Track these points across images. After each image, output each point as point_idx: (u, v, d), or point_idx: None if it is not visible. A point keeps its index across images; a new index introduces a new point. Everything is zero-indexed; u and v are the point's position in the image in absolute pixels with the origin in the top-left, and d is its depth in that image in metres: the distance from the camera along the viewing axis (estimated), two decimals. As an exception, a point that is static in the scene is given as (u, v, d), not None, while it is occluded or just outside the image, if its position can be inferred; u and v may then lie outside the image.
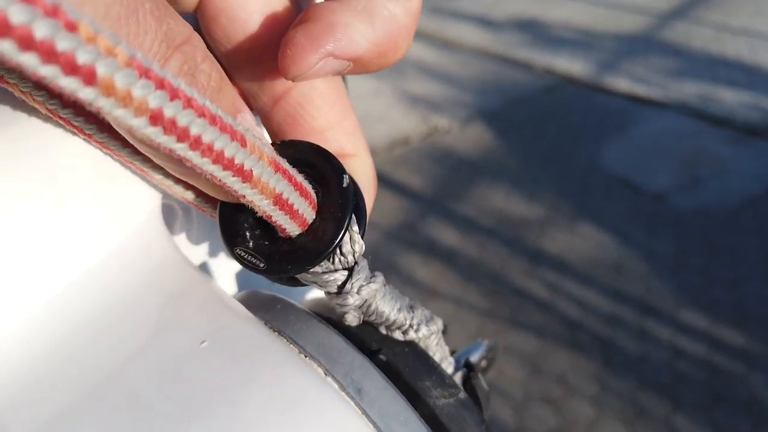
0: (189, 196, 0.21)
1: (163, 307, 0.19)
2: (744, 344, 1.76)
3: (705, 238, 2.18)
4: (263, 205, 0.18)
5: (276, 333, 0.19)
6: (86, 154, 0.19)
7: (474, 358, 0.25)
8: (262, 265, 0.19)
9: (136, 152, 0.19)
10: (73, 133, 0.19)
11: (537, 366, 1.70)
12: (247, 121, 0.19)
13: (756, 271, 2.03)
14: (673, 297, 1.93)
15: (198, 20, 0.21)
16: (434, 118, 3.08)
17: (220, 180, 0.16)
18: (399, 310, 0.22)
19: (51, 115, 0.18)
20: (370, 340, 0.21)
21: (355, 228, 0.20)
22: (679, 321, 1.84)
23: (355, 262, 0.21)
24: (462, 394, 0.21)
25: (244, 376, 0.17)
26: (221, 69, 0.18)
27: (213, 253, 0.27)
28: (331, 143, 0.22)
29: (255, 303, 0.21)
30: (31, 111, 0.19)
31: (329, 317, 0.22)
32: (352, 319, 0.21)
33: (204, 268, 0.27)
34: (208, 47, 0.19)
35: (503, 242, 2.17)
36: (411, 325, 0.22)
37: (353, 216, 0.20)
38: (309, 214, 0.19)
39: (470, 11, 4.64)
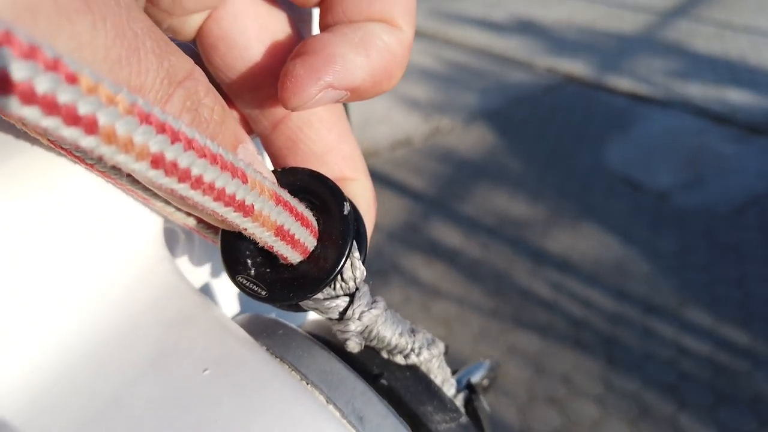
0: (191, 222, 0.21)
1: (164, 333, 0.19)
2: (748, 343, 1.75)
3: (708, 237, 2.18)
4: (265, 237, 0.18)
5: (278, 359, 0.20)
6: (88, 182, 0.20)
7: (475, 378, 0.25)
8: (264, 293, 0.20)
9: (136, 181, 0.19)
10: (75, 162, 0.19)
11: (541, 366, 1.70)
12: (249, 151, 0.19)
13: (760, 269, 2.02)
14: (677, 296, 1.92)
15: (197, 48, 0.21)
16: (436, 118, 3.08)
17: (221, 216, 0.16)
18: (401, 334, 0.22)
19: (52, 146, 0.19)
20: (371, 365, 0.22)
21: (356, 254, 0.20)
22: (683, 320, 1.84)
23: (357, 288, 0.21)
24: (463, 419, 0.21)
25: (246, 404, 0.17)
26: (223, 100, 0.18)
27: (215, 274, 0.27)
28: (331, 167, 0.22)
29: (256, 328, 0.21)
30: (33, 141, 0.19)
31: (330, 340, 0.22)
32: (354, 345, 0.21)
33: (206, 289, 0.27)
34: (208, 74, 0.20)
35: (506, 242, 2.17)
36: (413, 349, 0.22)
37: (354, 242, 0.20)
38: (310, 243, 0.20)
39: (471, 11, 4.63)
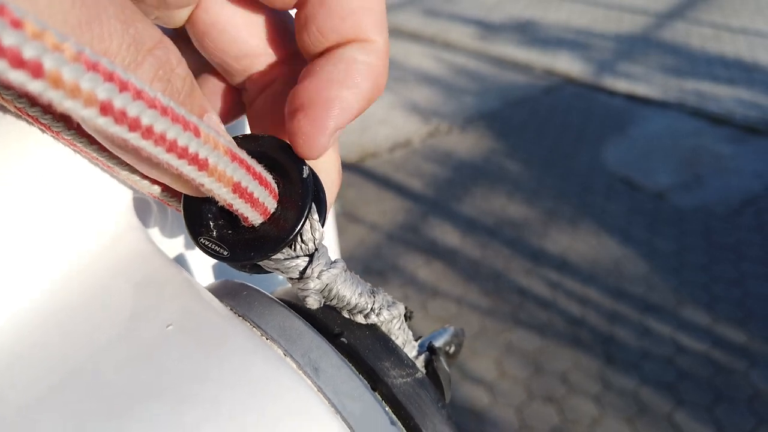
0: (155, 191, 0.22)
1: (131, 294, 0.20)
2: (746, 342, 1.76)
3: (706, 236, 2.19)
4: (222, 194, 0.18)
5: (240, 318, 0.20)
6: (57, 152, 0.20)
7: (438, 342, 0.26)
8: (225, 253, 0.20)
9: (102, 149, 0.20)
10: (42, 131, 0.20)
11: (539, 365, 1.71)
12: (213, 120, 0.20)
13: (757, 268, 2.03)
14: (675, 295, 1.93)
15: (189, 34, 0.22)
16: (435, 120, 3.09)
17: (177, 169, 0.17)
18: (360, 294, 0.23)
19: (20, 114, 0.19)
20: (333, 325, 0.22)
21: (315, 216, 0.21)
22: (680, 319, 1.84)
23: (316, 249, 0.22)
24: (419, 374, 0.22)
25: (207, 356, 0.18)
26: (190, 71, 0.19)
27: (188, 245, 0.28)
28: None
29: (223, 291, 0.22)
30: (2, 111, 0.19)
31: (296, 304, 0.23)
32: (313, 302, 0.22)
33: (180, 260, 0.27)
34: (193, 57, 0.21)
35: (505, 242, 2.18)
36: (372, 309, 0.23)
37: (313, 204, 0.21)
38: (270, 204, 0.20)
39: (469, 14, 4.65)
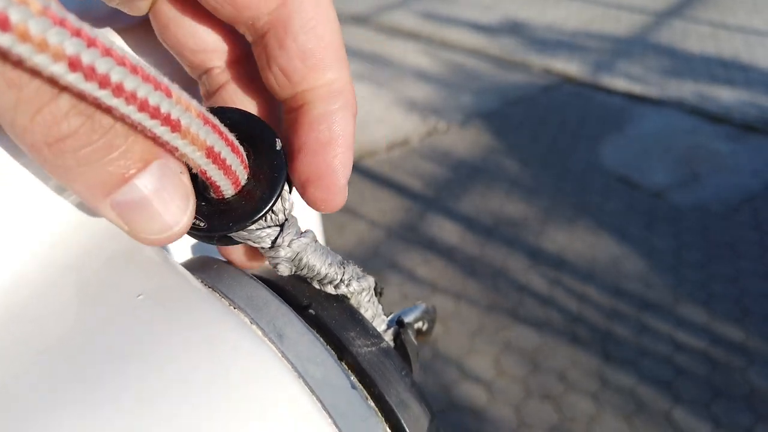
0: None
1: (103, 268, 0.20)
2: (743, 339, 1.77)
3: (703, 235, 2.19)
4: (196, 158, 0.18)
5: (210, 288, 0.21)
6: None
7: (408, 318, 0.26)
8: (203, 224, 0.20)
9: None
10: None
11: (537, 362, 1.71)
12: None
13: (754, 266, 2.04)
14: (673, 293, 1.94)
15: (151, 23, 0.23)
16: (433, 119, 3.09)
17: (150, 130, 0.16)
18: (330, 264, 0.23)
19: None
20: (302, 297, 0.23)
21: (286, 187, 0.22)
22: (678, 317, 1.85)
23: (286, 219, 0.22)
24: (384, 344, 0.22)
25: (175, 322, 0.19)
26: None
27: None
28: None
29: (194, 265, 0.22)
30: None
31: (268, 279, 0.24)
32: (284, 269, 0.22)
33: None
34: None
35: (503, 240, 2.18)
36: (342, 280, 0.23)
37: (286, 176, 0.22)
38: (242, 174, 0.20)
39: (467, 13, 4.65)
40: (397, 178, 2.57)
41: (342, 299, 0.23)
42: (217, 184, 0.20)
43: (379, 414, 0.21)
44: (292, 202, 0.22)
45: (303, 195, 0.22)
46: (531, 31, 4.25)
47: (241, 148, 0.20)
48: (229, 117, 0.21)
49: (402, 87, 3.46)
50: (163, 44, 0.23)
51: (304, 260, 0.22)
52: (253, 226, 0.21)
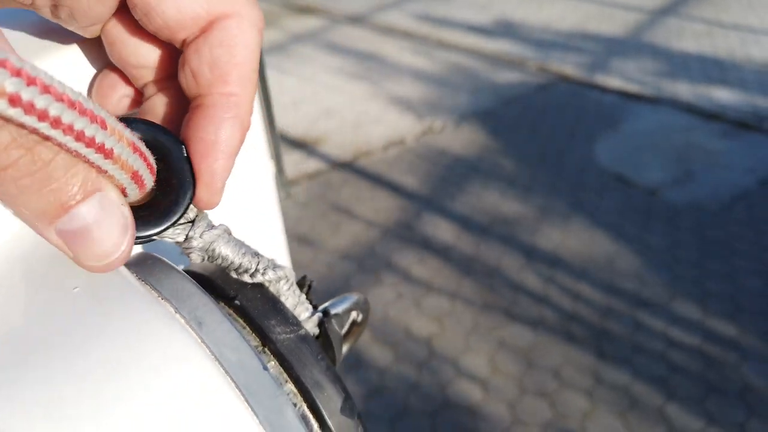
0: None
1: (48, 261, 0.22)
2: (737, 336, 1.78)
3: (698, 232, 2.20)
4: (122, 179, 0.20)
5: (141, 282, 0.23)
6: None
7: (335, 309, 0.28)
8: None
9: None
10: None
11: (531, 360, 1.72)
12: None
13: (748, 263, 2.05)
14: (667, 290, 1.94)
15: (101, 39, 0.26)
16: (428, 118, 3.10)
17: (85, 157, 0.18)
18: (243, 254, 0.25)
19: None
20: (229, 289, 0.25)
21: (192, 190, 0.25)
22: (672, 313, 1.86)
23: (197, 215, 0.25)
24: (302, 331, 0.25)
25: (105, 312, 0.21)
26: None
27: None
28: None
29: (132, 261, 0.24)
30: None
31: (201, 274, 0.26)
32: (196, 257, 0.25)
33: None
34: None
35: (498, 239, 2.19)
36: (257, 269, 0.25)
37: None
38: (149, 183, 0.23)
39: (462, 12, 4.65)
40: (392, 178, 2.58)
41: (265, 290, 0.26)
42: (129, 194, 0.22)
43: (298, 394, 0.23)
44: None
45: (197, 191, 0.25)
46: (526, 30, 4.26)
47: (154, 165, 0.23)
48: (141, 128, 0.23)
49: (397, 86, 3.47)
50: (110, 59, 0.26)
51: (217, 250, 0.25)
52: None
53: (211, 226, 0.25)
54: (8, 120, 0.16)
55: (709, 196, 2.39)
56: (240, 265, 0.25)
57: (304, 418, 0.23)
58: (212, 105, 0.24)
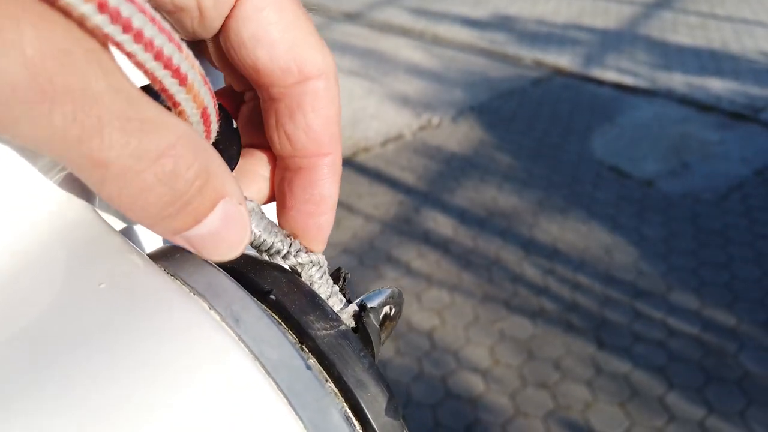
0: None
1: (67, 259, 0.21)
2: (735, 324, 1.79)
3: (694, 222, 2.22)
4: (192, 114, 0.19)
5: (171, 276, 0.22)
6: None
7: (372, 302, 0.27)
8: None
9: None
10: None
11: (532, 352, 1.73)
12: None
13: (744, 252, 2.06)
14: (665, 280, 1.96)
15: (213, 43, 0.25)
16: (426, 113, 3.11)
17: (160, 81, 0.17)
18: (276, 234, 0.25)
19: None
20: (263, 283, 0.24)
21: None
22: (670, 303, 1.87)
23: None
24: (343, 326, 0.23)
25: (135, 309, 0.19)
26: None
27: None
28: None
29: (159, 254, 0.23)
30: None
31: (233, 267, 0.25)
32: None
33: (128, 230, 0.28)
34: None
35: (496, 232, 2.20)
36: (289, 252, 0.25)
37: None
38: (214, 132, 0.22)
39: (458, 7, 4.66)
40: (391, 173, 2.59)
41: (300, 283, 0.24)
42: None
43: (339, 394, 0.22)
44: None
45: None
46: (521, 25, 4.27)
47: (218, 111, 0.22)
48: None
49: (395, 82, 3.48)
50: (219, 63, 0.26)
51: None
52: None
53: (245, 199, 0.23)
54: (93, 29, 0.15)
55: (705, 187, 2.41)
56: (272, 245, 0.25)
57: (346, 419, 0.22)
58: (312, 168, 0.25)
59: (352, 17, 4.56)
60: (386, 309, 0.28)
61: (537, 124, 2.94)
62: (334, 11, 4.70)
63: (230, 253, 0.21)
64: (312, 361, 0.22)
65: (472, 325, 1.82)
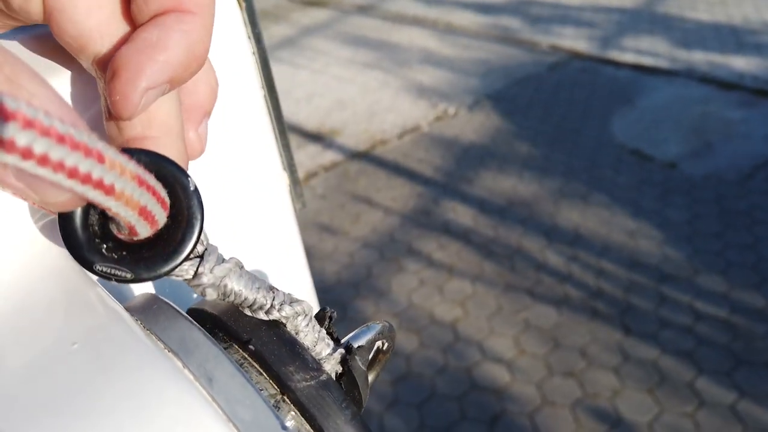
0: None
1: (42, 313, 0.21)
2: (763, 306, 1.76)
3: (718, 203, 2.18)
4: (128, 216, 0.19)
5: (147, 331, 0.21)
6: None
7: (358, 342, 0.26)
8: (128, 275, 0.21)
9: None
10: None
11: (557, 340, 1.72)
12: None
13: (772, 232, 2.03)
14: (690, 263, 1.93)
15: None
16: (442, 103, 3.09)
17: (81, 194, 0.17)
18: (258, 289, 0.24)
19: None
20: (242, 332, 0.23)
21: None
22: (697, 287, 1.85)
23: (205, 249, 0.23)
24: (324, 376, 0.23)
25: (106, 372, 0.19)
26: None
27: None
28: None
29: (137, 306, 0.23)
30: None
31: (212, 313, 0.24)
32: (211, 294, 0.23)
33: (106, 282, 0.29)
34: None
35: (517, 220, 2.18)
36: (273, 305, 0.24)
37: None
38: (161, 219, 0.21)
39: (471, -6, 4.62)
40: (408, 165, 2.58)
41: (281, 330, 0.24)
42: (138, 232, 0.20)
43: None
44: (206, 234, 0.22)
45: (107, 86, 0.21)
46: (536, 9, 4.22)
47: (166, 199, 0.21)
48: (143, 159, 0.21)
49: (410, 74, 3.46)
50: (57, 39, 0.23)
51: (229, 286, 0.23)
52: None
53: (222, 260, 0.23)
54: None
55: (729, 167, 2.37)
56: (254, 301, 0.23)
57: None
58: (161, 19, 0.22)
59: (364, 9, 4.55)
60: (378, 344, 0.27)
61: (555, 110, 2.91)
62: (346, 4, 4.69)
63: None
64: (292, 413, 0.22)
65: (495, 315, 1.81)
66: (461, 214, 2.24)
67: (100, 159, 0.17)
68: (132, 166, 0.18)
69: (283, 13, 4.64)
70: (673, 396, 1.55)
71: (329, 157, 2.73)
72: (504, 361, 1.67)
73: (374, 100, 3.19)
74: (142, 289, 0.30)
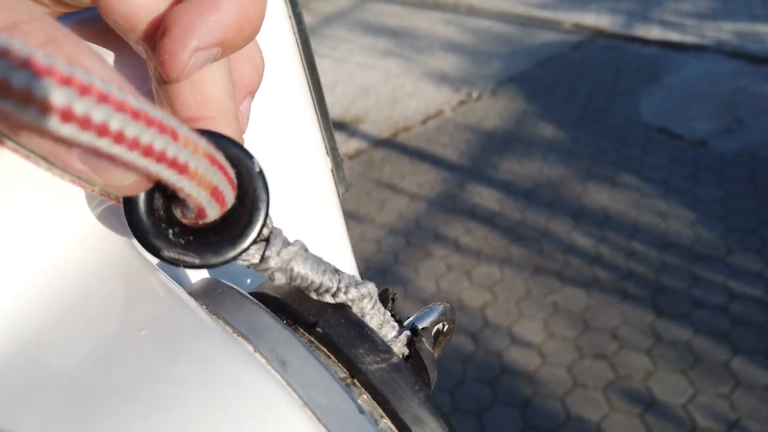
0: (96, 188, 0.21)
1: (107, 301, 0.20)
2: (800, 283, 1.73)
3: (751, 180, 2.13)
4: (201, 197, 0.18)
5: (213, 316, 0.21)
6: (23, 163, 0.20)
7: (422, 323, 0.26)
8: (197, 261, 0.20)
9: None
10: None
11: (587, 323, 1.70)
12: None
13: (808, 208, 1.98)
14: (723, 242, 1.90)
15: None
16: (464, 88, 3.07)
17: (156, 174, 0.16)
18: (323, 272, 0.23)
19: None
20: (308, 315, 0.23)
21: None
22: (731, 266, 1.81)
23: (270, 232, 0.22)
24: (395, 359, 0.22)
25: (177, 358, 0.19)
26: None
27: None
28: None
29: (200, 290, 0.23)
30: None
31: (275, 297, 0.24)
32: (280, 278, 0.22)
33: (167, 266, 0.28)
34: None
35: (544, 203, 2.16)
36: (339, 288, 0.23)
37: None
38: (230, 201, 0.20)
39: (492, -25, 4.57)
40: (433, 151, 2.57)
41: (348, 312, 0.23)
42: (208, 213, 0.20)
43: None
44: (271, 217, 0.22)
45: (157, 45, 0.21)
46: (558, -12, 4.16)
47: (234, 180, 0.20)
48: (210, 140, 0.20)
49: (431, 59, 3.44)
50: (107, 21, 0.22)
51: (296, 269, 0.22)
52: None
53: (287, 243, 0.22)
54: (63, 140, 0.14)
55: (761, 143, 2.31)
56: (320, 284, 0.23)
57: None
58: None
59: (384, -5, 4.52)
60: (439, 326, 0.27)
61: (580, 90, 2.87)
62: (365, -9, 4.66)
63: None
64: (364, 396, 0.21)
65: (524, 299, 1.80)
66: (487, 199, 2.23)
67: (174, 136, 0.16)
68: (204, 144, 0.18)
69: (303, 2, 4.62)
70: (708, 377, 1.52)
71: (354, 145, 2.72)
72: (534, 345, 1.66)
73: (397, 86, 3.18)
74: (198, 275, 0.29)
